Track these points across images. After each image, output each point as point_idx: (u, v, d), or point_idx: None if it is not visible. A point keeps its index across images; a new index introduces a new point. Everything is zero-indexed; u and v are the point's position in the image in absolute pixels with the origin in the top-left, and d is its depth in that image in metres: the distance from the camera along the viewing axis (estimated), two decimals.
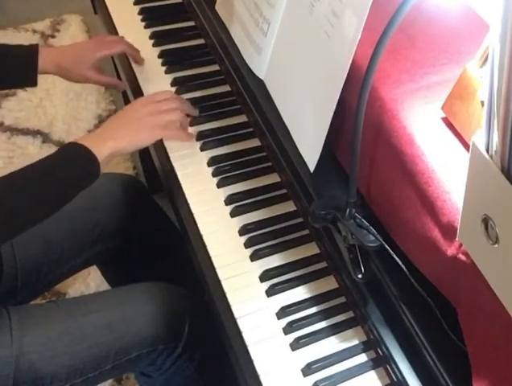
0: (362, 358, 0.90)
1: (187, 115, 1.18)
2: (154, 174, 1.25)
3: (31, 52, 1.21)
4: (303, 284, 0.98)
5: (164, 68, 1.30)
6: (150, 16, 1.40)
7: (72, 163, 1.00)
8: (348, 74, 0.84)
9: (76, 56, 1.25)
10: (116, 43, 1.29)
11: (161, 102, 1.11)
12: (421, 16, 0.88)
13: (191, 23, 1.38)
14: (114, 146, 1.03)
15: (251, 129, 1.17)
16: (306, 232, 1.04)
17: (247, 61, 1.11)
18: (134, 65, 1.31)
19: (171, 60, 1.31)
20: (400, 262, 0.80)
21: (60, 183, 0.99)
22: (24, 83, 1.27)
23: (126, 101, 1.69)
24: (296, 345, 0.92)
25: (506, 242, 0.58)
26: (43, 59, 1.21)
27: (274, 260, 1.01)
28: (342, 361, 0.90)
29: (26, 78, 1.23)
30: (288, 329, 0.93)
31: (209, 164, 1.13)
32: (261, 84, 1.08)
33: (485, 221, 0.59)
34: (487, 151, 0.57)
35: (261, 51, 1.06)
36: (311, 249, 1.02)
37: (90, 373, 1.07)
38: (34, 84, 1.24)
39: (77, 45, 1.27)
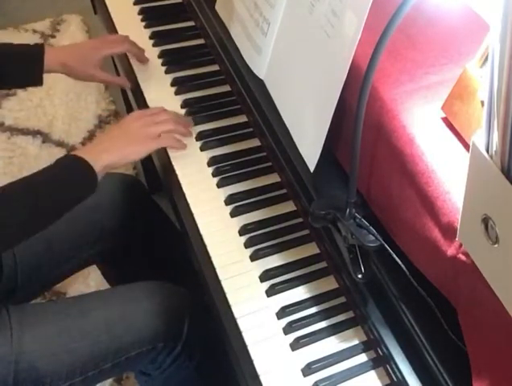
0: (362, 358, 0.90)
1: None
2: (154, 174, 1.25)
3: (37, 52, 1.21)
4: (303, 284, 0.98)
5: (164, 68, 1.30)
6: (150, 16, 1.40)
7: (70, 175, 1.01)
8: (349, 74, 0.84)
9: (80, 55, 1.25)
10: (120, 42, 1.29)
11: (153, 115, 1.13)
12: (421, 16, 0.88)
13: (191, 23, 1.38)
14: (108, 159, 1.04)
15: (251, 129, 1.18)
16: (306, 232, 1.04)
17: (247, 61, 1.11)
18: (134, 65, 1.31)
19: (171, 60, 1.31)
20: (400, 262, 0.80)
21: (58, 195, 0.99)
22: (30, 82, 1.27)
23: (126, 101, 1.69)
24: (296, 345, 0.92)
25: (506, 242, 0.58)
26: (49, 58, 1.22)
27: (274, 260, 1.01)
28: (342, 361, 0.90)
29: (32, 77, 1.23)
30: (288, 329, 0.93)
31: (209, 164, 1.14)
32: (261, 84, 1.08)
33: (485, 221, 0.59)
34: (487, 151, 0.57)
35: (261, 51, 1.06)
36: (311, 249, 1.02)
37: (90, 372, 1.07)
38: (40, 83, 1.24)
39: (82, 44, 1.29)
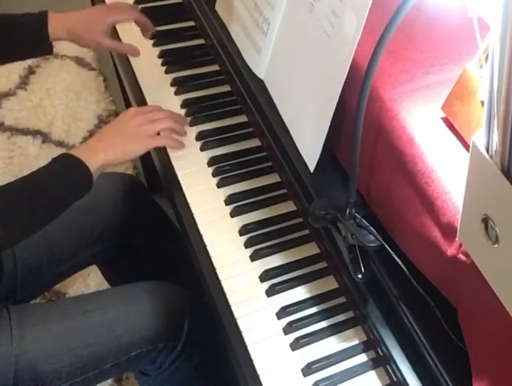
0: (362, 358, 0.90)
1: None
2: (154, 174, 1.25)
3: (41, 19, 1.19)
4: (303, 284, 0.98)
5: (164, 68, 1.30)
6: (150, 16, 1.39)
7: (65, 175, 1.01)
8: (348, 74, 0.84)
9: (86, 21, 1.22)
10: (128, 10, 1.27)
11: (151, 112, 1.12)
12: (421, 16, 0.88)
13: (191, 23, 1.38)
14: (105, 158, 1.03)
15: (251, 129, 1.18)
16: (306, 232, 1.04)
17: (247, 61, 1.11)
18: (134, 65, 1.31)
19: (171, 60, 1.31)
20: (400, 262, 0.80)
21: (54, 195, 1.00)
22: (39, 51, 1.25)
23: (126, 101, 1.69)
24: (296, 345, 0.92)
25: (506, 242, 0.58)
26: (54, 25, 1.19)
27: (274, 260, 1.01)
28: (342, 361, 0.90)
29: (39, 46, 1.21)
30: (288, 329, 0.93)
31: (209, 164, 1.13)
32: (261, 84, 1.08)
33: (485, 221, 0.59)
34: (487, 151, 0.57)
35: (261, 51, 1.06)
36: (311, 249, 1.02)
37: (90, 372, 1.07)
38: (49, 51, 1.23)
39: (88, 10, 1.24)
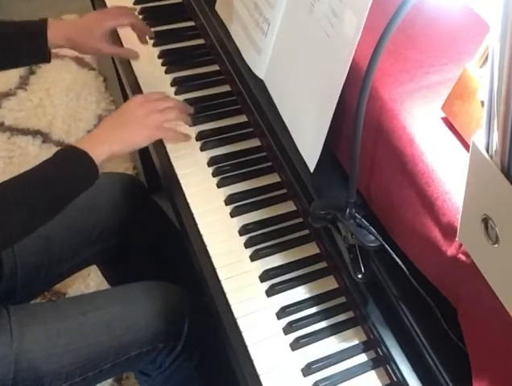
0: (362, 358, 0.90)
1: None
2: (154, 174, 1.25)
3: (41, 27, 1.20)
4: (303, 284, 0.98)
5: (164, 68, 1.30)
6: (150, 16, 1.40)
7: (70, 167, 1.00)
8: (348, 74, 0.84)
9: (85, 28, 1.23)
10: (125, 15, 1.27)
11: (156, 101, 1.10)
12: (421, 16, 0.88)
13: (191, 23, 1.38)
14: (110, 149, 1.02)
15: (251, 129, 1.18)
16: (306, 232, 1.04)
17: (247, 61, 1.11)
18: (134, 65, 1.30)
19: (171, 60, 1.31)
20: (400, 262, 0.80)
21: (59, 188, 0.99)
22: (37, 59, 1.25)
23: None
24: (296, 345, 0.92)
25: (506, 242, 0.58)
26: (53, 33, 1.20)
27: (274, 260, 1.01)
28: (342, 361, 0.90)
29: (37, 54, 1.21)
30: (288, 329, 0.93)
31: (209, 164, 1.14)
32: (261, 84, 1.08)
33: (485, 221, 0.59)
34: (487, 151, 0.57)
35: (261, 51, 1.06)
36: (311, 249, 1.02)
37: (90, 372, 1.07)
38: (47, 59, 1.22)
39: (86, 17, 1.25)
